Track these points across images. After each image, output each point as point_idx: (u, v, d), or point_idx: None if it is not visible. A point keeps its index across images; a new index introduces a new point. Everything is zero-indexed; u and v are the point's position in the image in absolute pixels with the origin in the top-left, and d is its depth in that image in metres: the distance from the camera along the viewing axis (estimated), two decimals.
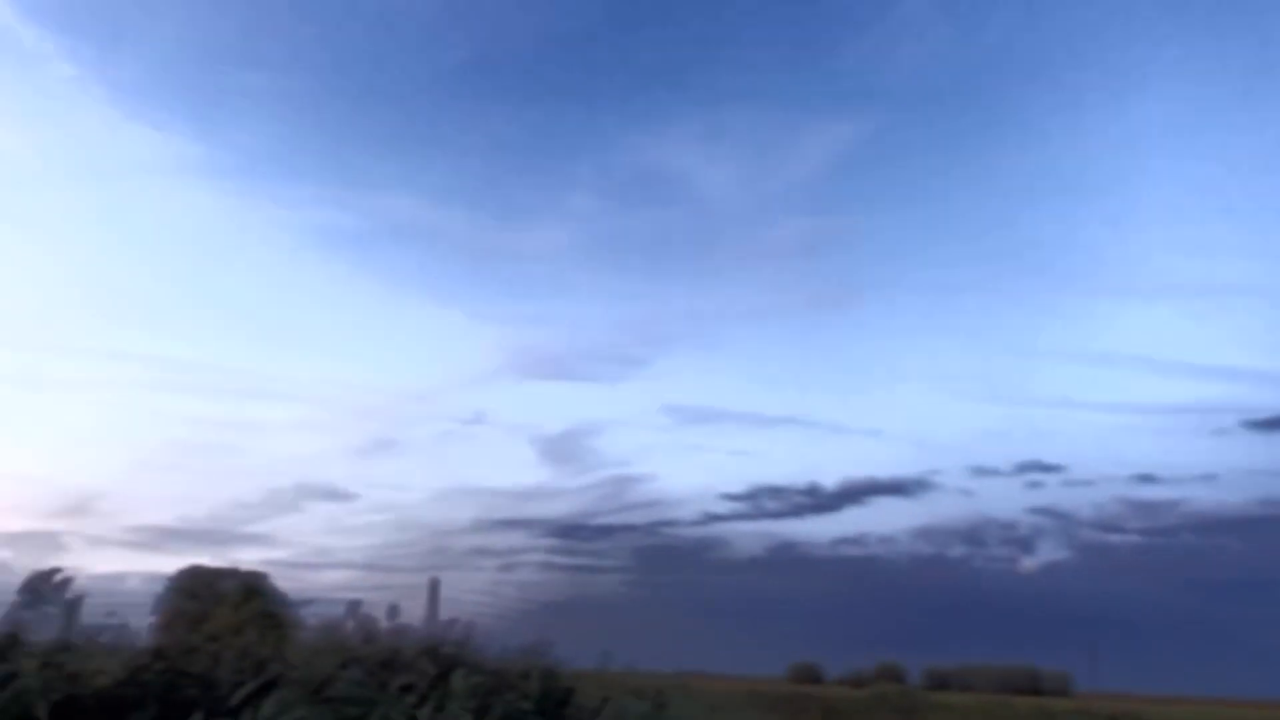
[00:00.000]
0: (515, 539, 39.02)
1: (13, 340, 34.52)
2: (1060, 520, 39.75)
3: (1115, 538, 42.17)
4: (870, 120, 41.30)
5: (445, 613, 7.33)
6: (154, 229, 40.43)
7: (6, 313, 34.93)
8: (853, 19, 41.49)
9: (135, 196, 39.29)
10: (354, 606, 6.55)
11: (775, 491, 39.34)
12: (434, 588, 8.64)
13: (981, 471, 39.88)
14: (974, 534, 41.47)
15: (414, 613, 6.98)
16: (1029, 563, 43.09)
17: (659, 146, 42.22)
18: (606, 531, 41.90)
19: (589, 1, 41.59)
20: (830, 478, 40.53)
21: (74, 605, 4.88)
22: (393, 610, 6.55)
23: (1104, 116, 40.87)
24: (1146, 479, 38.83)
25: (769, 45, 41.64)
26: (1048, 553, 43.21)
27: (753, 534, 42.79)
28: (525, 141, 42.98)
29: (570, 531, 41.78)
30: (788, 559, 42.05)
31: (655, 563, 43.01)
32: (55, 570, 5.07)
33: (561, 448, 40.18)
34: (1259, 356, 45.31)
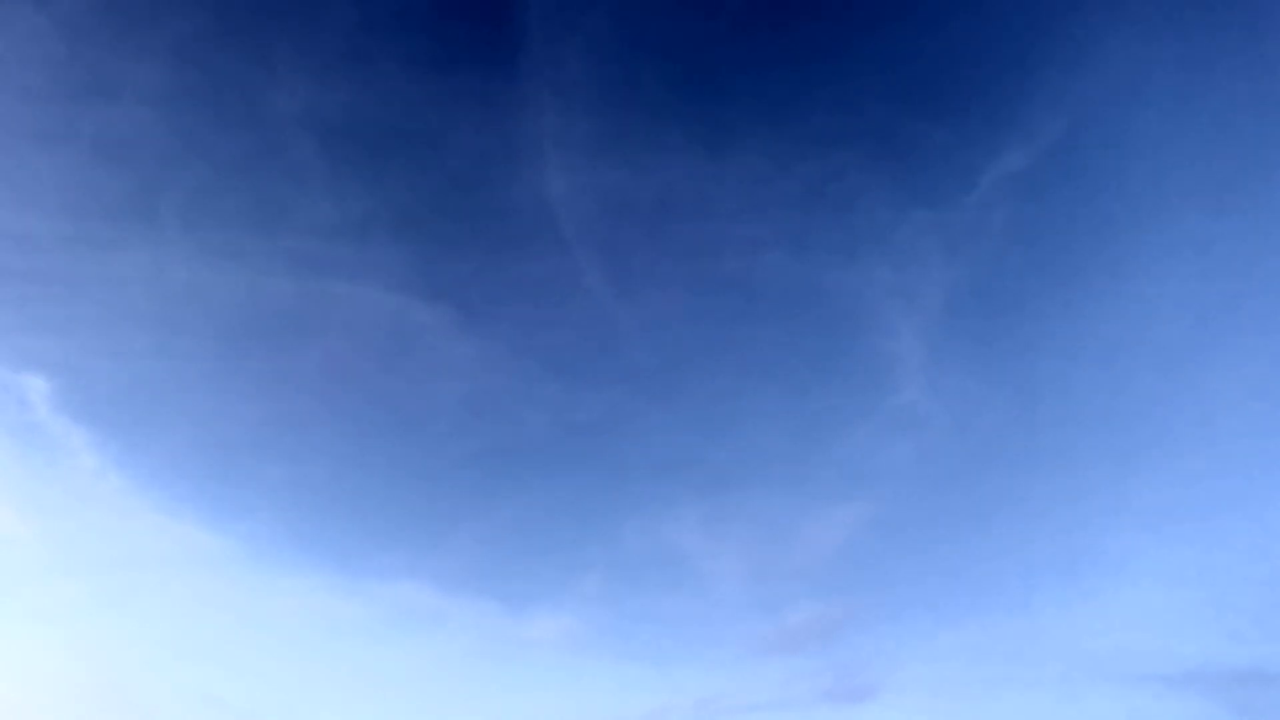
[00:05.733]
0: None
1: None
2: None
3: None
4: (874, 505, 44.55)
5: None
6: (158, 620, 41.94)
7: (4, 707, 35.93)
8: (851, 407, 45.72)
9: (141, 588, 41.54)
10: None
11: None
12: None
13: None
14: None
15: None
16: None
17: (665, 529, 44.84)
18: None
19: (598, 396, 45.78)
20: None
21: None
22: None
23: (1118, 496, 43.92)
24: None
25: (771, 432, 45.79)
26: None
27: None
28: (535, 526, 45.50)
29: None
30: None
31: None
32: None
33: None
34: None
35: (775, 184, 42.22)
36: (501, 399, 46.29)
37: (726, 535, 47.33)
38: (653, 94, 41.78)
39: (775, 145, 41.04)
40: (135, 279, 41.22)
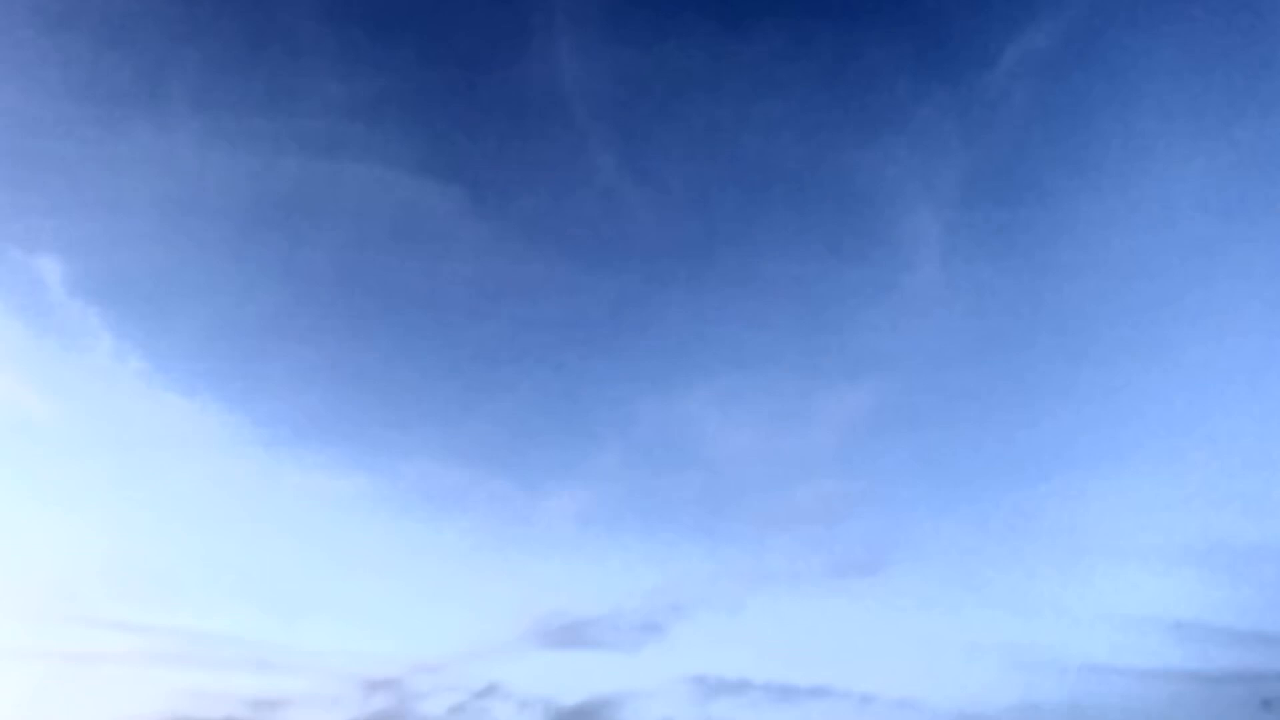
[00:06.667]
0: None
1: (23, 611, 36.89)
2: None
3: None
4: (886, 386, 45.50)
5: None
6: (179, 498, 43.30)
7: (22, 584, 37.58)
8: (866, 288, 46.24)
9: (163, 466, 42.84)
10: None
11: None
12: None
13: None
14: None
15: None
16: None
17: (679, 408, 46.06)
18: None
19: (611, 277, 46.82)
20: None
21: None
22: None
23: (1130, 376, 44.48)
24: None
25: (784, 313, 46.55)
26: None
27: None
28: (549, 405, 46.65)
29: None
30: None
31: None
32: None
33: None
34: None
35: (792, 62, 41.62)
36: (515, 280, 46.46)
37: (739, 414, 47.97)
38: None
39: (792, 22, 40.33)
40: (143, 161, 41.03)
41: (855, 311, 47.51)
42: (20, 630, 37.06)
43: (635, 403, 48.13)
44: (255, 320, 44.49)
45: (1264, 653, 40.88)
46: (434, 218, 43.44)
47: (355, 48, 38.78)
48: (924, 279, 45.23)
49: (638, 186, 44.51)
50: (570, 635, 43.45)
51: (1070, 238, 42.41)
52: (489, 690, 41.15)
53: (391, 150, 42.11)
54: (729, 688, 42.46)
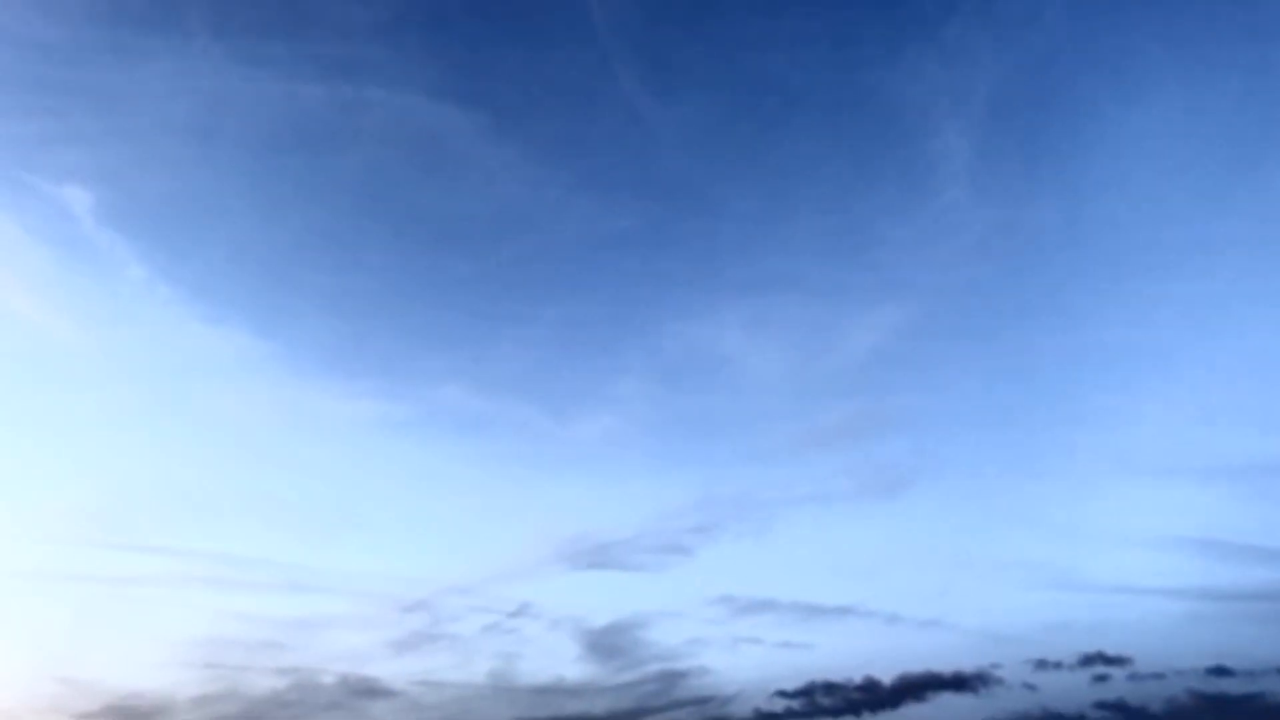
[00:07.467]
0: None
1: (64, 536, 38.47)
2: (1130, 716, 38.85)
3: None
4: (912, 307, 45.05)
5: None
6: (212, 425, 44.53)
7: (62, 509, 39.06)
8: (893, 208, 45.42)
9: (196, 394, 43.88)
10: None
11: (831, 688, 39.54)
12: None
13: (1044, 665, 39.96)
14: None
15: None
16: None
17: (705, 333, 45.99)
18: None
19: (635, 201, 46.39)
20: (888, 672, 40.63)
21: None
22: None
23: (1157, 292, 43.17)
24: (1220, 671, 37.94)
25: (811, 235, 46.11)
26: None
27: None
28: (574, 332, 46.71)
29: None
30: None
31: None
32: None
33: (607, 641, 40.54)
34: None
35: None
36: (538, 206, 46.19)
37: (765, 337, 47.94)
38: None
39: None
40: (165, 90, 40.59)
41: (882, 233, 46.73)
42: (61, 554, 37.74)
43: (661, 327, 47.83)
44: (280, 247, 44.42)
45: None
46: (456, 142, 42.92)
47: None
48: (951, 200, 44.37)
49: (661, 107, 43.71)
50: (599, 557, 44.00)
51: (1101, 156, 41.28)
52: (520, 610, 41.92)
53: (412, 74, 41.45)
54: (755, 607, 42.98)
